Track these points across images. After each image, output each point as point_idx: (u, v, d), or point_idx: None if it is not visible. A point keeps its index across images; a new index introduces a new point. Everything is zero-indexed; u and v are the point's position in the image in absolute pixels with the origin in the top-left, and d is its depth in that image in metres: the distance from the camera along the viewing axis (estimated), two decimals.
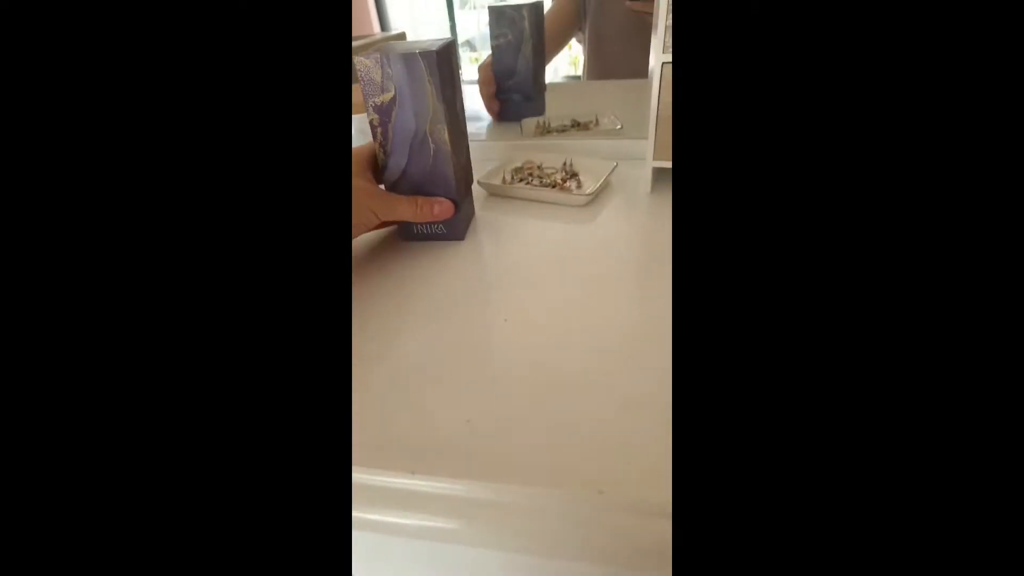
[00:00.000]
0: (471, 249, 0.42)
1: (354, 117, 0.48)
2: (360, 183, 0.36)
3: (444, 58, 0.36)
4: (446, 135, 0.37)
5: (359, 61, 0.35)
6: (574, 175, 0.50)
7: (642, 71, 0.67)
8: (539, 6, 0.64)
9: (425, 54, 0.34)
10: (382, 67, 0.35)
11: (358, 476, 0.24)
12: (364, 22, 2.36)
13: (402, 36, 0.75)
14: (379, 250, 0.42)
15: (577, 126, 0.62)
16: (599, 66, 0.97)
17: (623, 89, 0.81)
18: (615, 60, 0.94)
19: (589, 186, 0.48)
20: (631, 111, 0.60)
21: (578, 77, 1.21)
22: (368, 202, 0.36)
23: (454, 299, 0.35)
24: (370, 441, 0.25)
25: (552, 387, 0.27)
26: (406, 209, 0.38)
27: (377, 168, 0.40)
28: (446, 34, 2.54)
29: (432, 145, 0.38)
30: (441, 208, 0.39)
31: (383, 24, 2.45)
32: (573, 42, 1.01)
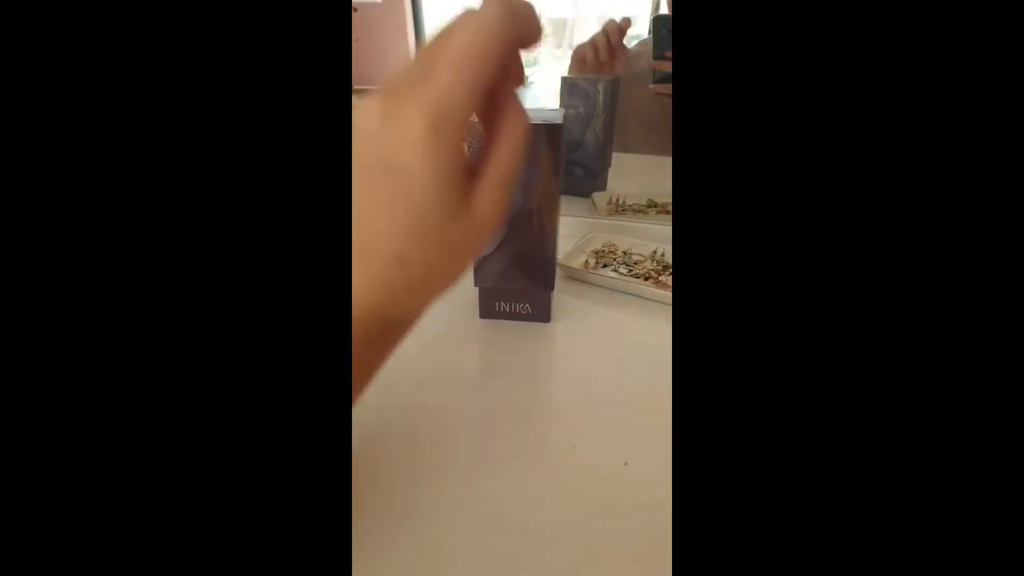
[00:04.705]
0: (562, 337, 0.37)
1: None
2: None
3: (561, 132, 0.33)
4: (555, 214, 0.34)
5: (473, 127, 0.32)
6: (667, 267, 0.45)
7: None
8: (616, 83, 0.62)
9: (550, 127, 0.31)
10: None
11: None
12: None
13: None
14: (451, 332, 0.38)
15: (654, 206, 0.58)
16: (622, 150, 0.95)
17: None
18: (638, 146, 0.93)
19: None
20: None
21: None
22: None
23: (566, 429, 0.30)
24: None
25: None
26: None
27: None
28: None
29: (536, 224, 0.34)
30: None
31: None
32: None
